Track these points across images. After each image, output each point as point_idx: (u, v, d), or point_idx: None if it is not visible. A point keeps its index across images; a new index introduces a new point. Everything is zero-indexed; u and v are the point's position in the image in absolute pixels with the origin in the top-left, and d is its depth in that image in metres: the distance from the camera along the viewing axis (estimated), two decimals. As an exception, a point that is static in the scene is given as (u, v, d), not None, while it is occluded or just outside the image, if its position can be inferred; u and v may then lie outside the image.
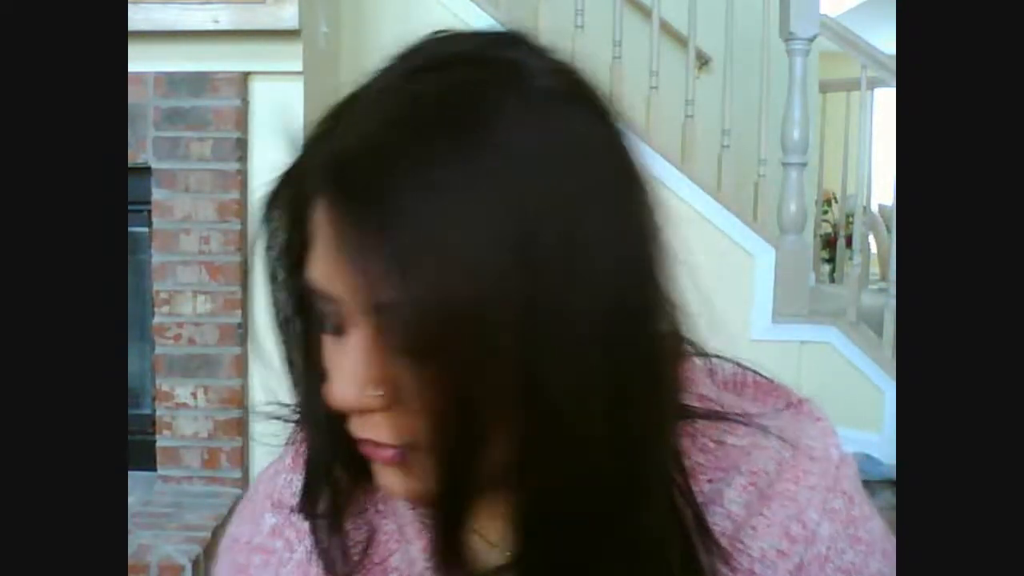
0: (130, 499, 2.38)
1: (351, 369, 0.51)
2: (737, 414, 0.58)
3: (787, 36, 3.02)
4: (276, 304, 0.57)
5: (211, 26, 2.39)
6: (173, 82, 2.46)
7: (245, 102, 2.49)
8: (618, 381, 0.50)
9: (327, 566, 0.58)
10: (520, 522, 0.55)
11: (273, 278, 0.56)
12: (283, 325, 0.57)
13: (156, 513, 2.36)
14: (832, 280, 4.45)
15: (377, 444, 0.53)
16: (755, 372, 0.63)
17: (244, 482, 2.49)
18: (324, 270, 0.51)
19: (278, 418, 0.63)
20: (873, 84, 3.29)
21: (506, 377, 0.49)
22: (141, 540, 2.20)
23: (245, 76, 2.48)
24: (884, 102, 3.44)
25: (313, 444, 0.59)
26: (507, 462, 0.51)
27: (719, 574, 0.55)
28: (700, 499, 0.56)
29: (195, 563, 2.16)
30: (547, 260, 0.47)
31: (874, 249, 4.90)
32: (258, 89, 2.51)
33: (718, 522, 0.56)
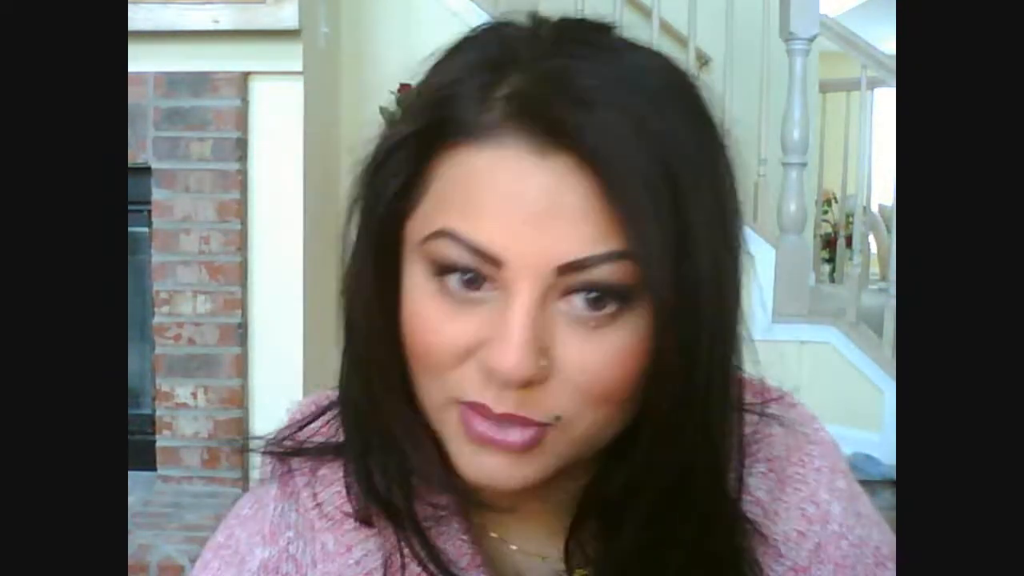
0: (130, 499, 2.38)
1: (525, 336, 0.47)
2: (748, 404, 0.59)
3: (787, 36, 3.02)
4: (369, 268, 0.52)
5: (211, 26, 2.39)
6: (173, 82, 2.46)
7: (245, 102, 2.49)
8: (718, 354, 0.51)
9: (439, 567, 0.54)
10: (591, 508, 0.54)
11: (372, 241, 0.51)
12: (368, 291, 0.52)
13: (156, 513, 2.36)
14: (832, 280, 4.45)
15: (503, 427, 0.49)
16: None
17: (244, 482, 2.49)
18: (494, 229, 0.47)
19: (272, 453, 0.57)
20: (873, 84, 3.29)
21: (684, 330, 0.48)
22: (141, 540, 2.21)
23: (245, 76, 2.49)
24: (884, 102, 3.44)
25: (394, 429, 0.53)
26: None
27: (756, 554, 0.56)
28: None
29: (195, 563, 2.16)
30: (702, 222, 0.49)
31: (874, 249, 4.90)
32: (258, 89, 2.51)
33: (749, 509, 0.58)
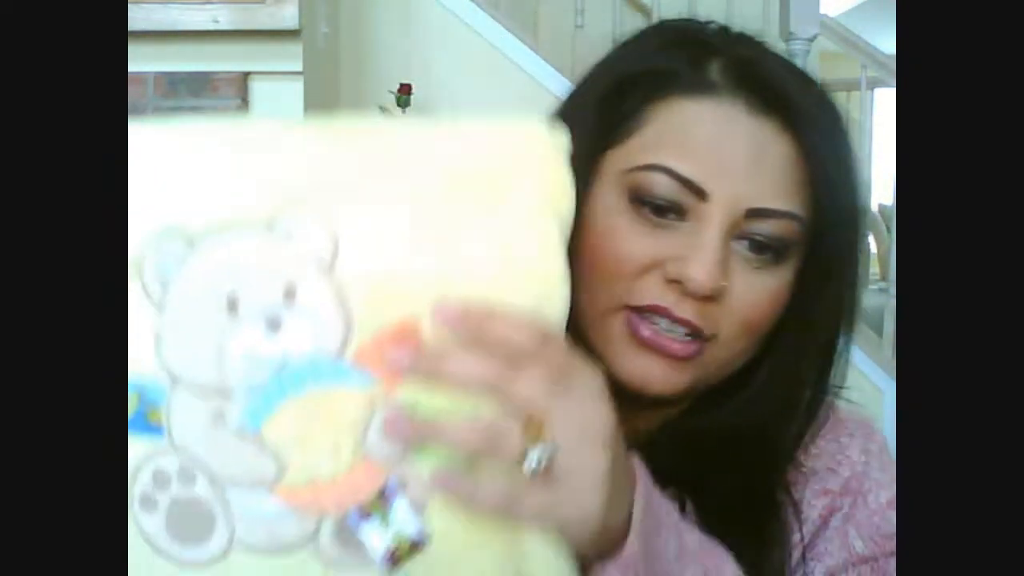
0: (130, 499, 2.37)
1: (717, 256, 0.56)
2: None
3: (787, 36, 3.02)
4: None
5: (211, 26, 2.39)
6: (173, 82, 2.46)
7: (245, 102, 2.49)
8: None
9: None
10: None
11: (575, 164, 0.59)
12: None
13: (156, 513, 2.35)
14: (832, 280, 4.43)
15: (671, 340, 0.56)
16: None
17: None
18: (706, 167, 0.56)
19: None
20: (873, 84, 3.29)
21: (838, 278, 0.59)
22: (141, 540, 2.20)
23: (245, 76, 2.48)
24: (884, 102, 3.43)
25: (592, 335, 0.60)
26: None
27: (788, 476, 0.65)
28: None
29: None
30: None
31: (874, 249, 4.89)
32: (258, 89, 2.51)
33: None
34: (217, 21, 2.39)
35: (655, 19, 3.16)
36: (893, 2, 0.60)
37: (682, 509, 0.61)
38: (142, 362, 0.46)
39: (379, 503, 0.44)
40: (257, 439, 0.45)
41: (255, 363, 0.44)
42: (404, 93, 2.72)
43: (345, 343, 0.44)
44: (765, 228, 0.57)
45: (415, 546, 0.44)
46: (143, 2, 2.34)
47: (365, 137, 0.48)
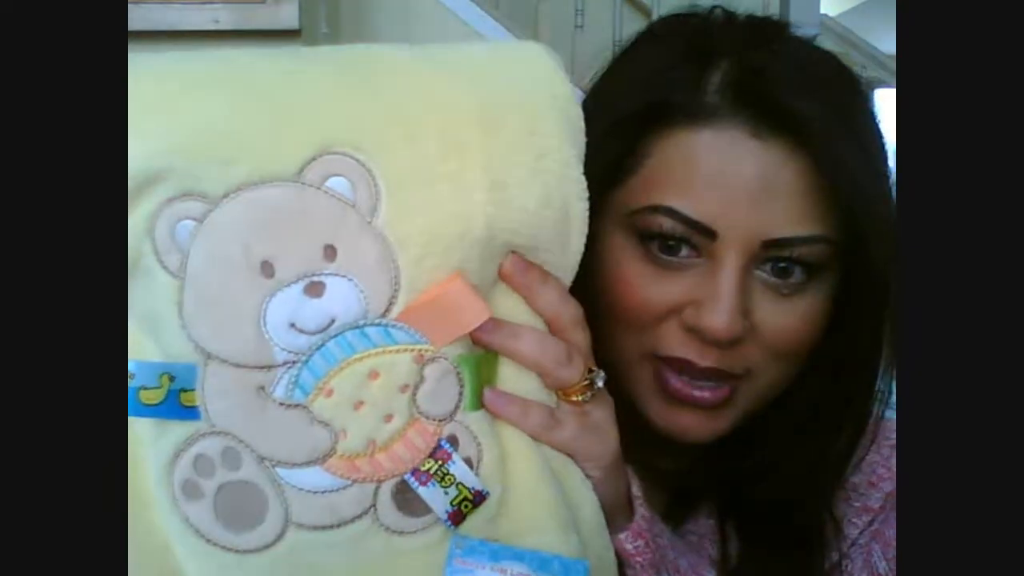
0: (130, 499, 2.37)
1: (733, 301, 0.51)
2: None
3: (787, 36, 3.02)
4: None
5: (211, 26, 2.39)
6: (173, 82, 2.45)
7: (245, 102, 2.49)
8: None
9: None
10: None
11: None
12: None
13: (156, 513, 2.35)
14: (832, 280, 4.43)
15: (702, 389, 0.53)
16: None
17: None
18: (712, 204, 0.51)
19: None
20: (873, 84, 3.29)
21: (870, 300, 0.55)
22: (141, 540, 2.20)
23: (245, 76, 2.48)
24: (884, 102, 3.43)
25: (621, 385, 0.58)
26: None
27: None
28: None
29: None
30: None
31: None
32: (258, 89, 2.50)
33: None
34: (217, 21, 2.39)
35: (655, 19, 3.15)
36: (893, 2, 0.59)
37: (722, 531, 0.59)
38: (168, 340, 0.43)
39: (435, 463, 0.44)
40: (305, 411, 0.42)
41: (296, 331, 0.42)
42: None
43: (391, 303, 0.42)
44: (788, 255, 0.53)
45: (476, 500, 0.44)
46: (143, 2, 2.34)
47: (386, 76, 0.44)
